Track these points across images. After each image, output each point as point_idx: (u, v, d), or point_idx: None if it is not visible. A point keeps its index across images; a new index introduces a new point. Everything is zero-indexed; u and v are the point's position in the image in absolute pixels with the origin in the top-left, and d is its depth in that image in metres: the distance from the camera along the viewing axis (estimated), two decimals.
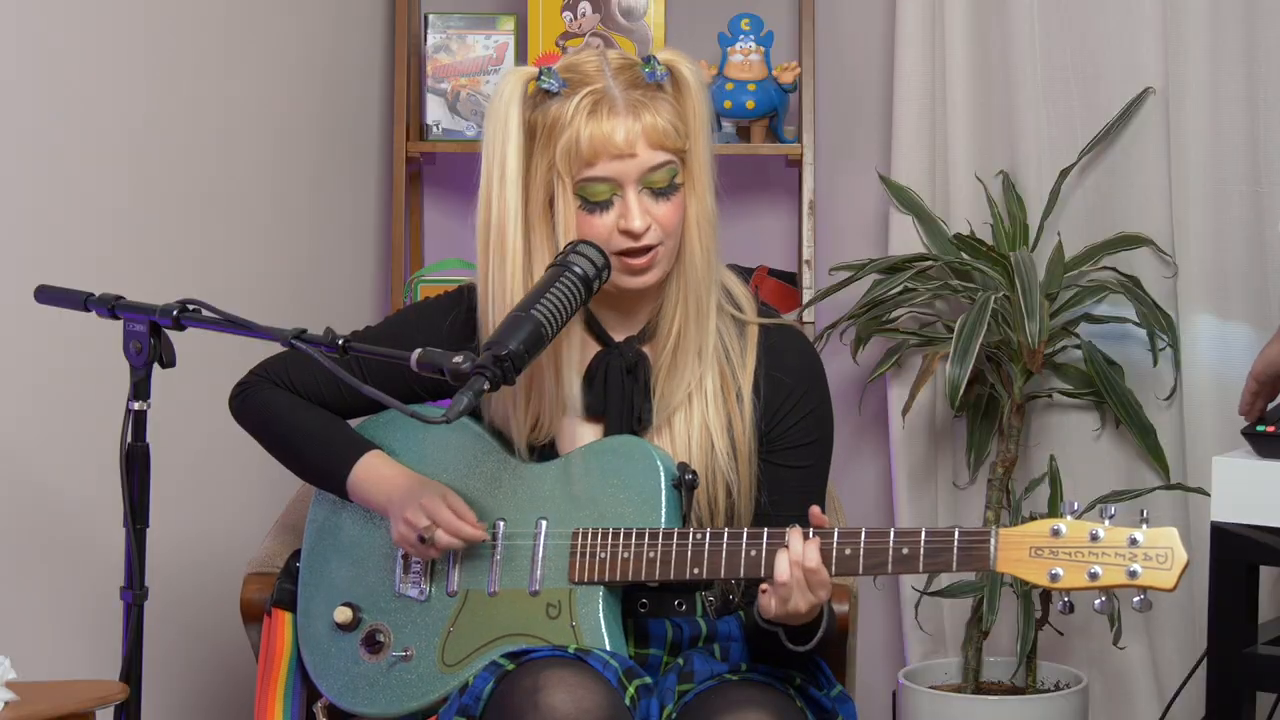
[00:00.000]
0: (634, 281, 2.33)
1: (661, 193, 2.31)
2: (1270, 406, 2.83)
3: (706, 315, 2.36)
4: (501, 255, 2.33)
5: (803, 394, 2.40)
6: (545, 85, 2.32)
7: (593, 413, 2.40)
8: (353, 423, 2.52)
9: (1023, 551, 2.13)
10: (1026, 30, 3.45)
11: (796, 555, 2.19)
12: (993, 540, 2.15)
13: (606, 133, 2.28)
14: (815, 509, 2.24)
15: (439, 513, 2.34)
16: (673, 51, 2.36)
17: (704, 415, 2.36)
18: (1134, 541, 2.10)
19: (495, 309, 2.34)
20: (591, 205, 2.31)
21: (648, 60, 2.33)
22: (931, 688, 3.39)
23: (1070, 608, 2.15)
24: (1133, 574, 2.09)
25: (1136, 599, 2.12)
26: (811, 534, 2.21)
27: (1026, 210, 3.45)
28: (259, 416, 2.50)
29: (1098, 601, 2.14)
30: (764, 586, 2.22)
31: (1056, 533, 2.12)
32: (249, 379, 2.53)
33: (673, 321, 2.36)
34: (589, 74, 2.32)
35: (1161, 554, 2.09)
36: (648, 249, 2.31)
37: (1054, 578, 2.12)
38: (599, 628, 2.29)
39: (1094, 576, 2.10)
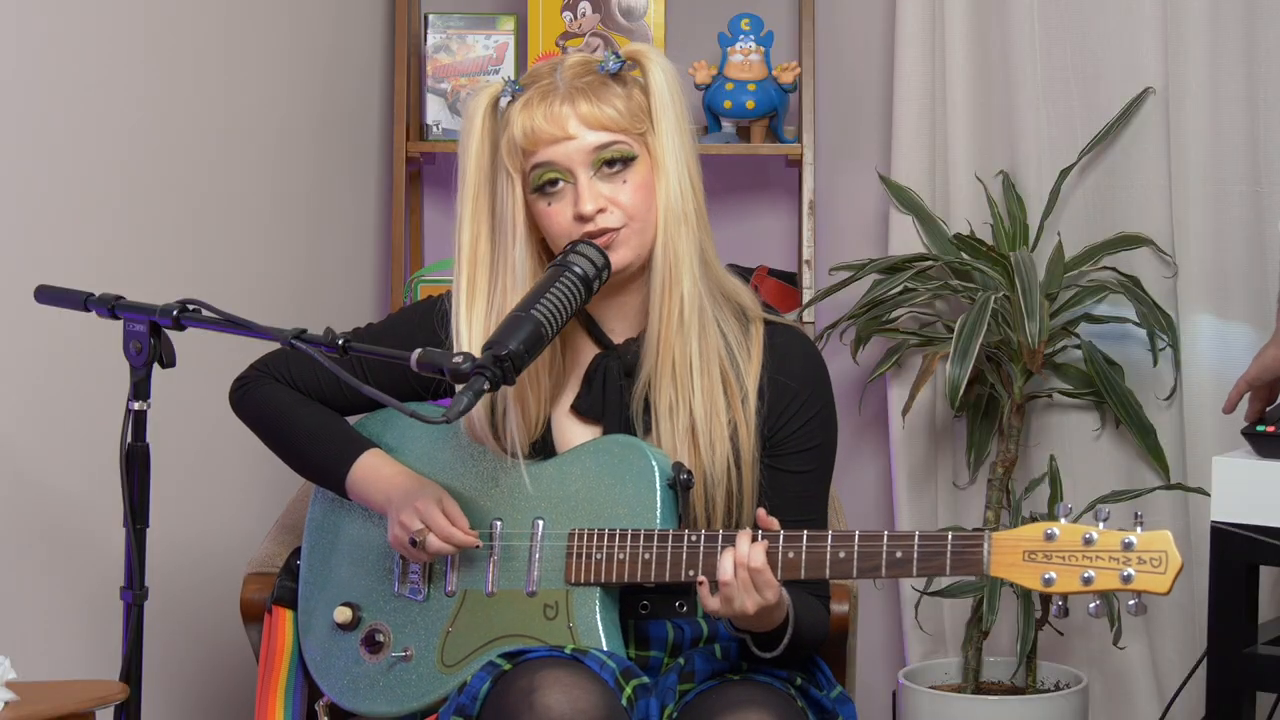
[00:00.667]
0: None
1: (615, 173, 2.32)
2: (1270, 407, 2.83)
3: (681, 302, 2.34)
4: (460, 266, 2.37)
5: (807, 398, 2.40)
6: (505, 95, 2.35)
7: (591, 417, 2.40)
8: (351, 420, 2.52)
9: (1016, 555, 2.12)
10: (1026, 30, 3.45)
11: (742, 556, 2.20)
12: (986, 544, 2.14)
13: (539, 118, 2.31)
14: (761, 511, 2.24)
15: (433, 518, 2.34)
16: (644, 46, 2.38)
17: (696, 417, 2.35)
18: (1128, 545, 2.09)
19: (455, 321, 2.37)
20: (548, 195, 2.32)
21: (607, 55, 2.35)
22: (931, 688, 3.39)
23: (1065, 611, 2.15)
24: (1127, 578, 2.08)
25: (1131, 602, 2.11)
26: (760, 536, 2.21)
27: (1026, 210, 3.45)
28: (258, 412, 2.50)
29: (1092, 605, 2.13)
30: (701, 578, 2.23)
31: (1050, 536, 2.11)
32: (249, 373, 2.53)
33: (655, 321, 2.36)
34: (541, 74, 2.36)
35: (1156, 558, 2.08)
36: (606, 231, 2.31)
37: (1048, 582, 2.10)
38: (596, 628, 2.29)
39: (1088, 581, 2.09)
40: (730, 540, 2.23)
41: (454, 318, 2.38)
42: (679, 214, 2.34)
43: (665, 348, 2.34)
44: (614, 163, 2.32)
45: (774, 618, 2.25)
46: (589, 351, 2.41)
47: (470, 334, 2.35)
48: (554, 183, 2.32)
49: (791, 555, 2.22)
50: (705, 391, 2.36)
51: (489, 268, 2.37)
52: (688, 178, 2.35)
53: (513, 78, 2.39)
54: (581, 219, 2.30)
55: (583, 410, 2.40)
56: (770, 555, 2.22)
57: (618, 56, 2.35)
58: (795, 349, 2.41)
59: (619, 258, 2.32)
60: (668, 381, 2.35)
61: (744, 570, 2.19)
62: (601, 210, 2.31)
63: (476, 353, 2.25)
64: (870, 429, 3.71)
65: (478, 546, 2.36)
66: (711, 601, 2.22)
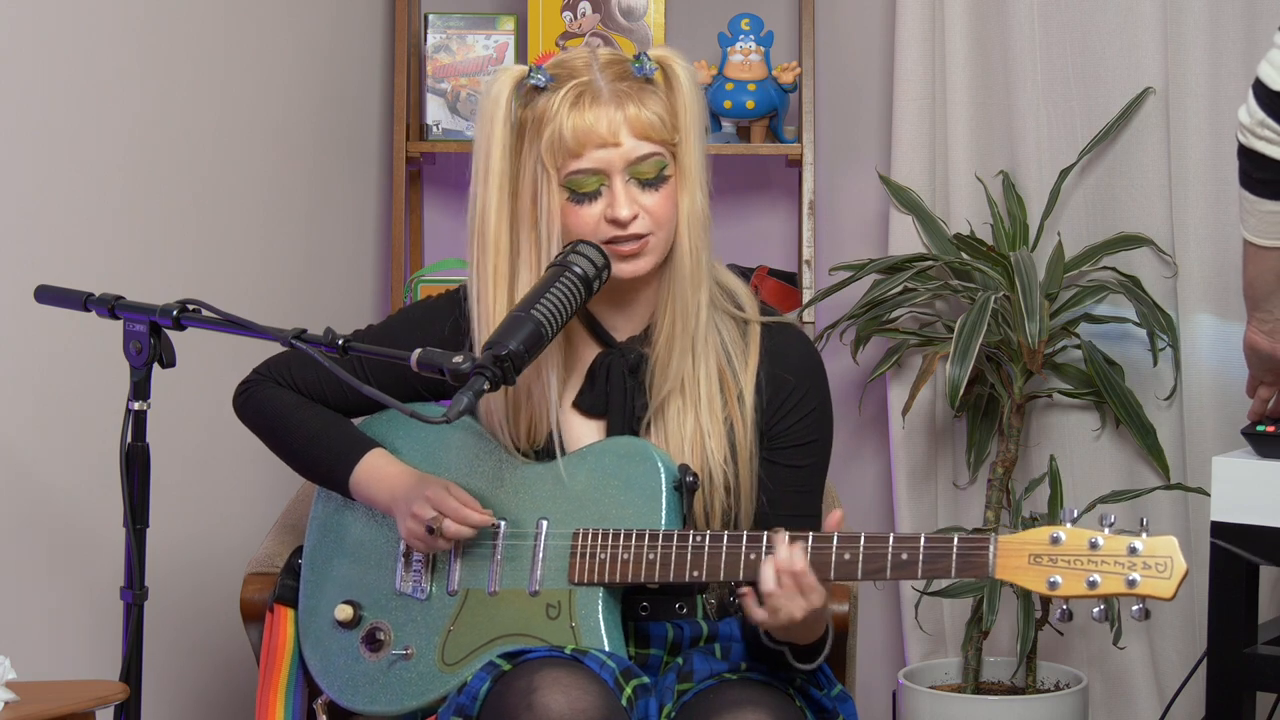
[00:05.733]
0: (625, 268, 2.33)
1: (649, 184, 2.32)
2: (1270, 405, 2.83)
3: (697, 313, 2.35)
4: (486, 251, 2.35)
5: (804, 393, 2.40)
6: (533, 81, 2.33)
7: (594, 413, 2.40)
8: (355, 421, 2.52)
9: (1022, 559, 2.12)
10: (1026, 30, 3.45)
11: (783, 561, 2.19)
12: (992, 547, 2.14)
13: (590, 123, 2.29)
14: (837, 514, 2.22)
15: (445, 503, 2.34)
16: (666, 49, 2.37)
17: (698, 414, 2.36)
18: (1133, 550, 2.08)
19: (482, 307, 2.35)
20: (580, 196, 2.32)
21: (638, 57, 2.34)
22: (931, 688, 3.39)
23: (1069, 615, 2.14)
24: (1131, 583, 2.08)
25: (1135, 607, 2.11)
26: (790, 537, 2.20)
27: (1026, 210, 3.45)
28: (261, 415, 2.50)
29: (1096, 610, 2.13)
30: (744, 590, 2.21)
31: (1056, 540, 2.11)
32: (252, 378, 2.53)
33: (664, 320, 2.36)
34: (576, 68, 2.33)
35: (1161, 563, 2.08)
36: (637, 237, 2.32)
37: (1053, 585, 2.10)
38: (598, 628, 2.29)
39: (1093, 585, 2.09)
40: (759, 542, 2.22)
41: (480, 303, 2.36)
42: (703, 220, 2.35)
43: (681, 348, 2.35)
44: (651, 178, 2.32)
45: (818, 628, 2.25)
46: (591, 350, 2.41)
47: (498, 320, 2.32)
48: (592, 185, 2.31)
49: None
50: (708, 392, 2.36)
51: (509, 256, 2.35)
52: (707, 184, 2.36)
53: (540, 65, 2.36)
54: (617, 223, 2.30)
55: (585, 407, 2.40)
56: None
57: (649, 59, 2.35)
58: (792, 345, 2.42)
59: (642, 265, 2.33)
60: (674, 381, 2.35)
61: (787, 576, 2.19)
62: (634, 216, 2.31)
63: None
64: (870, 429, 3.71)
65: (494, 524, 2.35)
66: (758, 612, 2.21)
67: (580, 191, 2.31)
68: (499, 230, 2.34)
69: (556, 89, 2.31)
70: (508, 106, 2.33)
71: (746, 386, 2.38)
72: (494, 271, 2.34)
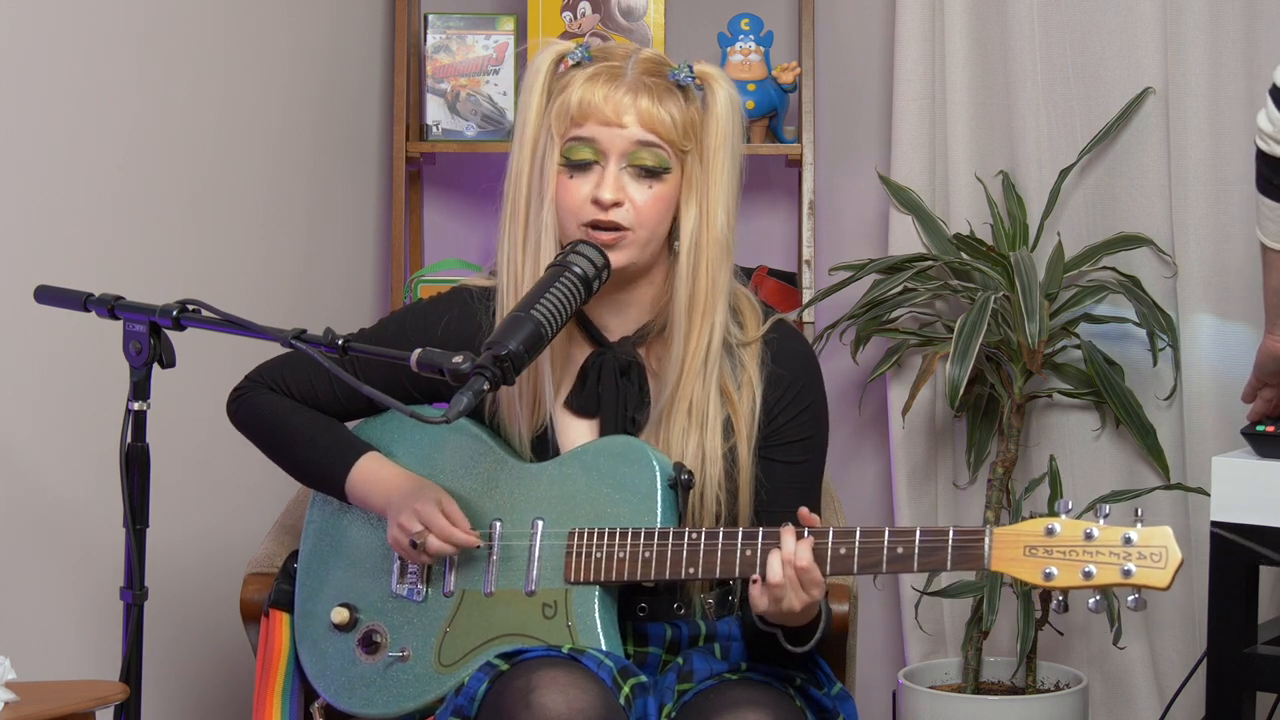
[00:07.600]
0: None
1: (646, 176, 2.32)
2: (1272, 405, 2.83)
3: (716, 345, 2.35)
4: (517, 218, 2.37)
5: (799, 390, 2.40)
6: (573, 57, 2.36)
7: (586, 412, 2.40)
8: (349, 425, 2.52)
9: (1017, 550, 2.13)
10: (1026, 30, 3.45)
11: (789, 554, 2.20)
12: (987, 539, 2.15)
13: (599, 96, 2.31)
14: (804, 510, 2.24)
15: (432, 518, 2.34)
16: (717, 71, 2.38)
17: (695, 419, 2.35)
18: (1128, 540, 2.10)
19: (510, 268, 2.37)
20: (573, 167, 2.33)
21: (682, 64, 2.35)
22: (931, 688, 3.39)
23: (1065, 606, 2.16)
24: (1127, 573, 2.09)
25: (1131, 598, 2.12)
26: (805, 533, 2.21)
27: (1026, 210, 3.45)
28: (255, 421, 2.50)
29: (1092, 601, 2.14)
30: (755, 577, 2.23)
31: (1051, 532, 2.12)
32: (244, 384, 2.53)
33: (680, 348, 2.36)
34: (614, 54, 2.37)
35: (1156, 553, 2.09)
36: (616, 228, 2.32)
37: (1048, 576, 2.12)
38: (595, 628, 2.29)
39: (1088, 575, 2.10)
40: (754, 539, 2.23)
41: (509, 266, 2.37)
42: (723, 245, 2.35)
43: (689, 377, 2.35)
44: (650, 169, 2.32)
45: (811, 612, 2.26)
46: (583, 349, 2.42)
47: (524, 281, 2.34)
48: (585, 162, 2.32)
49: None
50: (708, 398, 2.36)
51: (528, 224, 2.37)
52: (734, 210, 2.36)
53: (588, 44, 2.39)
54: (598, 204, 2.31)
55: (576, 406, 2.40)
56: (765, 552, 2.22)
57: (691, 71, 2.36)
58: (788, 342, 2.42)
59: (617, 259, 2.33)
60: (672, 394, 2.35)
61: (791, 568, 2.20)
62: (618, 204, 2.31)
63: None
64: (870, 429, 3.71)
65: (478, 546, 2.36)
66: (761, 600, 2.22)
67: (573, 160, 2.32)
68: (529, 194, 2.36)
69: (587, 66, 2.33)
70: (545, 77, 2.36)
71: (746, 390, 2.38)
72: (523, 235, 2.36)
